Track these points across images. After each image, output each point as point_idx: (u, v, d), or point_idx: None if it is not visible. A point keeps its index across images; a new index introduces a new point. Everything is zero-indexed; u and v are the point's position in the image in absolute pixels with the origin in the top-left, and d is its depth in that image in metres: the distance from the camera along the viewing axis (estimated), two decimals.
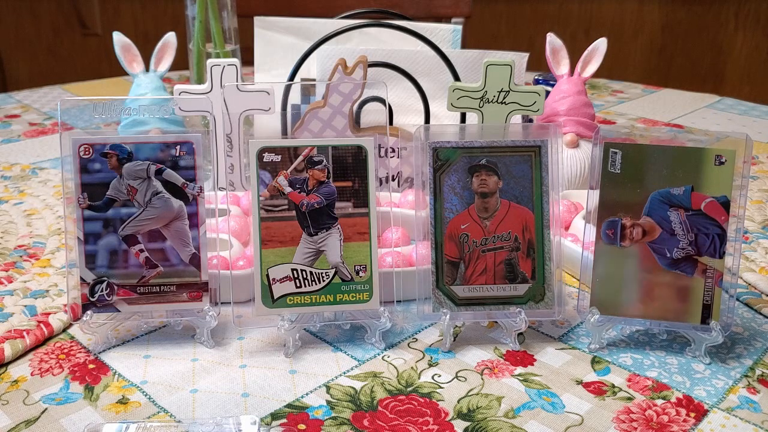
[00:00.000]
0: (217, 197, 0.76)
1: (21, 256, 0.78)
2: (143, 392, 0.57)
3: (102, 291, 0.61)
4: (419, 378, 0.59)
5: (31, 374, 0.59)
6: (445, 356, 0.62)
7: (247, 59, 1.11)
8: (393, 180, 0.86)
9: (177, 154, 0.61)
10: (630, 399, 0.57)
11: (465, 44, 1.17)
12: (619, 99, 1.45)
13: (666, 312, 0.61)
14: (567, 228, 0.79)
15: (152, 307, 0.62)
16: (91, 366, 0.60)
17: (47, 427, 0.53)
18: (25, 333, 0.63)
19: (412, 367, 0.60)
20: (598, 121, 1.26)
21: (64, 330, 0.65)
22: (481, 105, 0.73)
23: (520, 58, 0.92)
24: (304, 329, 0.65)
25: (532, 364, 0.61)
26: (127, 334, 0.64)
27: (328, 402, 0.56)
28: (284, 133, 0.83)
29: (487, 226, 0.63)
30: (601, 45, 0.92)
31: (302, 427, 0.53)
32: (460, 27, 1.04)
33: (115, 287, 0.61)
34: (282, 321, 0.61)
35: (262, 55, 1.10)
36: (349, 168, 0.62)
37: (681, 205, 0.60)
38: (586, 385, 0.58)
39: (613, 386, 0.58)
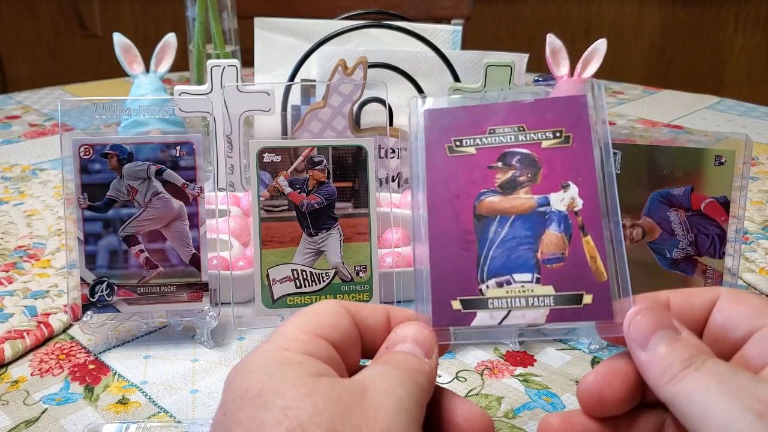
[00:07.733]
0: (217, 198, 0.76)
1: (21, 257, 0.78)
2: (143, 392, 0.57)
3: (102, 291, 0.61)
4: None
5: (31, 374, 0.59)
6: (445, 356, 0.62)
7: (248, 60, 1.11)
8: (393, 181, 0.86)
9: (177, 155, 0.61)
10: None
11: (465, 45, 1.17)
12: (619, 100, 1.45)
13: None
14: None
15: (152, 307, 0.62)
16: (91, 366, 0.60)
17: (47, 427, 0.53)
18: (25, 333, 0.63)
19: None
20: None
21: (64, 330, 0.65)
22: None
23: (520, 59, 0.92)
24: None
25: (532, 365, 0.61)
26: (127, 335, 0.64)
27: None
28: (284, 133, 0.83)
29: None
30: (600, 46, 0.91)
31: None
32: (460, 28, 1.04)
33: (116, 288, 0.61)
34: (282, 321, 0.61)
35: (262, 56, 1.10)
36: (349, 168, 0.62)
37: (681, 205, 0.60)
38: None
39: None
